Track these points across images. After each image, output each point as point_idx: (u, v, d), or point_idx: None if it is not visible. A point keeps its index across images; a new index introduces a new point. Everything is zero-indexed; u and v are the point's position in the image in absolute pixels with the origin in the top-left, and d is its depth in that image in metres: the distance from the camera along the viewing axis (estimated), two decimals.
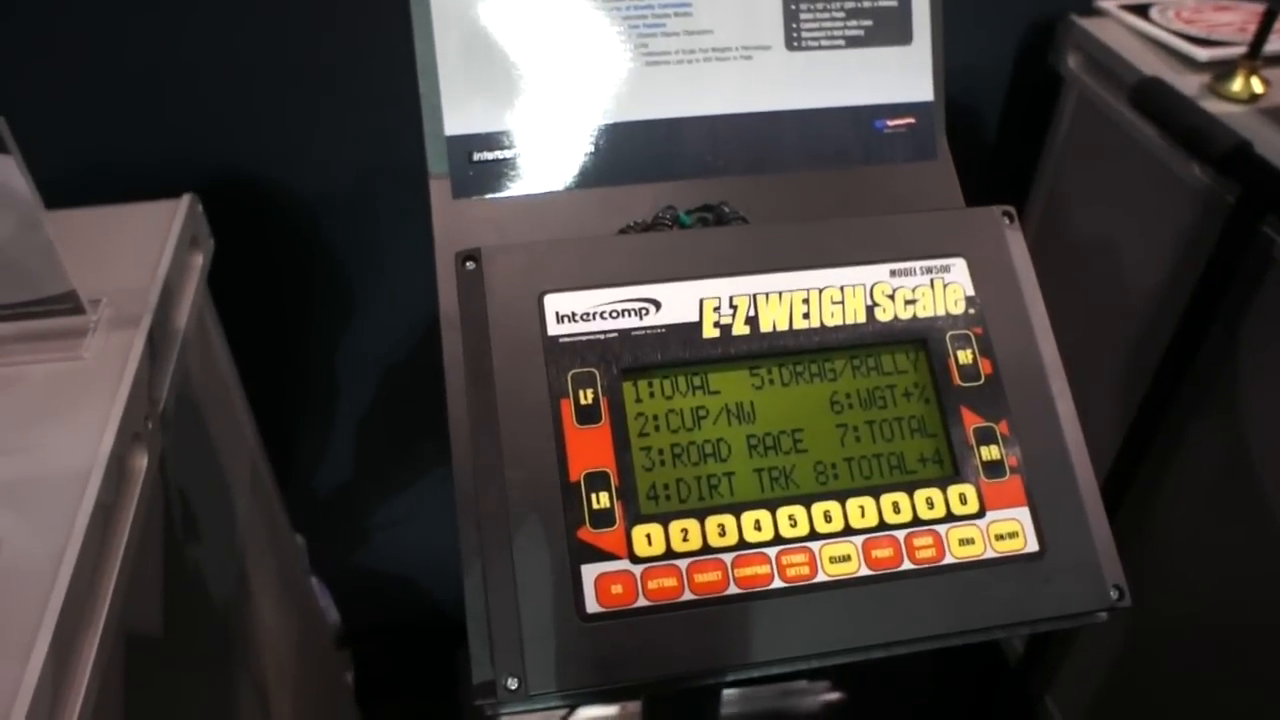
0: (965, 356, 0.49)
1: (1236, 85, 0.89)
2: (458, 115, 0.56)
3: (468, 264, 0.48)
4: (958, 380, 0.48)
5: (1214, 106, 0.88)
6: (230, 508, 0.88)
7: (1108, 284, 1.01)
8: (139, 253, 0.75)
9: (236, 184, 0.94)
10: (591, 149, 0.57)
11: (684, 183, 0.58)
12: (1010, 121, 1.14)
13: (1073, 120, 1.05)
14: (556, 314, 0.47)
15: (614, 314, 0.48)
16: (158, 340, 0.69)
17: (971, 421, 0.48)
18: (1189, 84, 0.91)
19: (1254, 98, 0.88)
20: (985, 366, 0.49)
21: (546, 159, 0.57)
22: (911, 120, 0.61)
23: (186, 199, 0.80)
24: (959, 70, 1.06)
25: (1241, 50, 0.89)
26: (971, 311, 0.50)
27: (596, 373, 0.46)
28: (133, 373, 0.64)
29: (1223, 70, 0.90)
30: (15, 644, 0.49)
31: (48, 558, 0.53)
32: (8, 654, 0.49)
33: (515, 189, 0.57)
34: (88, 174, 0.88)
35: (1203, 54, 0.93)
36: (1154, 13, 1.01)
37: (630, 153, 0.58)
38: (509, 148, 0.57)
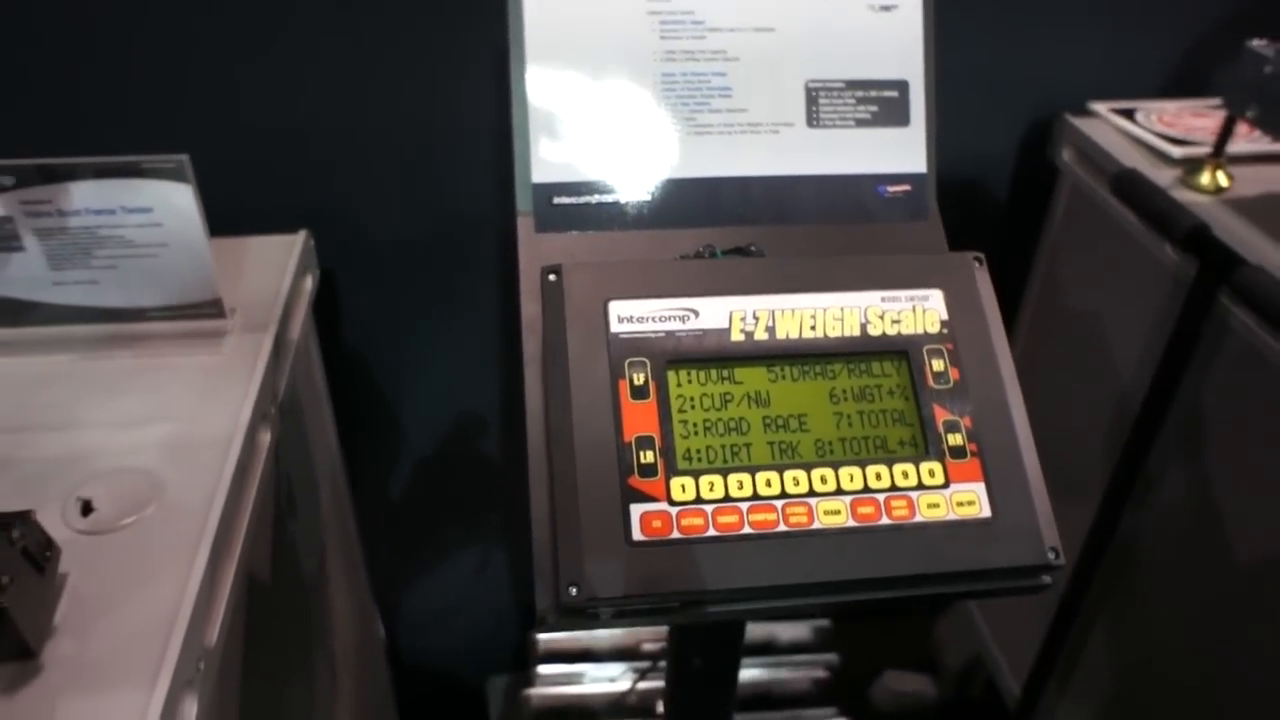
0: (938, 365, 0.62)
1: (1204, 179, 1.02)
2: (543, 167, 0.71)
3: (550, 276, 0.62)
4: (931, 383, 0.61)
5: (1185, 196, 1.01)
6: (317, 499, 1.01)
7: (1099, 347, 1.13)
8: (264, 275, 0.90)
9: (333, 223, 1.09)
10: (647, 198, 0.72)
11: (720, 229, 0.72)
12: (1014, 203, 1.28)
13: (1067, 205, 1.19)
14: (618, 316, 0.61)
15: (662, 318, 0.61)
16: (279, 346, 0.84)
17: (941, 415, 0.60)
18: (1165, 177, 1.04)
19: (1219, 190, 1.02)
20: (954, 374, 0.61)
21: (611, 205, 0.71)
22: (908, 187, 0.75)
23: (302, 234, 0.96)
24: (969, 158, 1.23)
25: (1209, 149, 1.03)
26: (945, 331, 0.63)
27: (647, 362, 0.60)
28: (264, 366, 0.79)
29: (1193, 166, 1.04)
30: (181, 562, 0.63)
31: (202, 500, 0.67)
32: (177, 569, 0.62)
33: (585, 227, 0.71)
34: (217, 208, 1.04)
35: (1177, 151, 1.07)
36: (1139, 115, 1.15)
37: (678, 203, 0.72)
38: (582, 194, 0.71)
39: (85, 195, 0.75)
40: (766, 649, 1.37)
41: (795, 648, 1.38)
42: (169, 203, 0.75)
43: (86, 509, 0.66)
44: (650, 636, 1.36)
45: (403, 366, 1.20)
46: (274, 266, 0.91)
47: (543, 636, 1.36)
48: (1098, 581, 1.12)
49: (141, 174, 0.74)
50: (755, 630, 1.37)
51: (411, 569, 1.40)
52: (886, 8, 0.74)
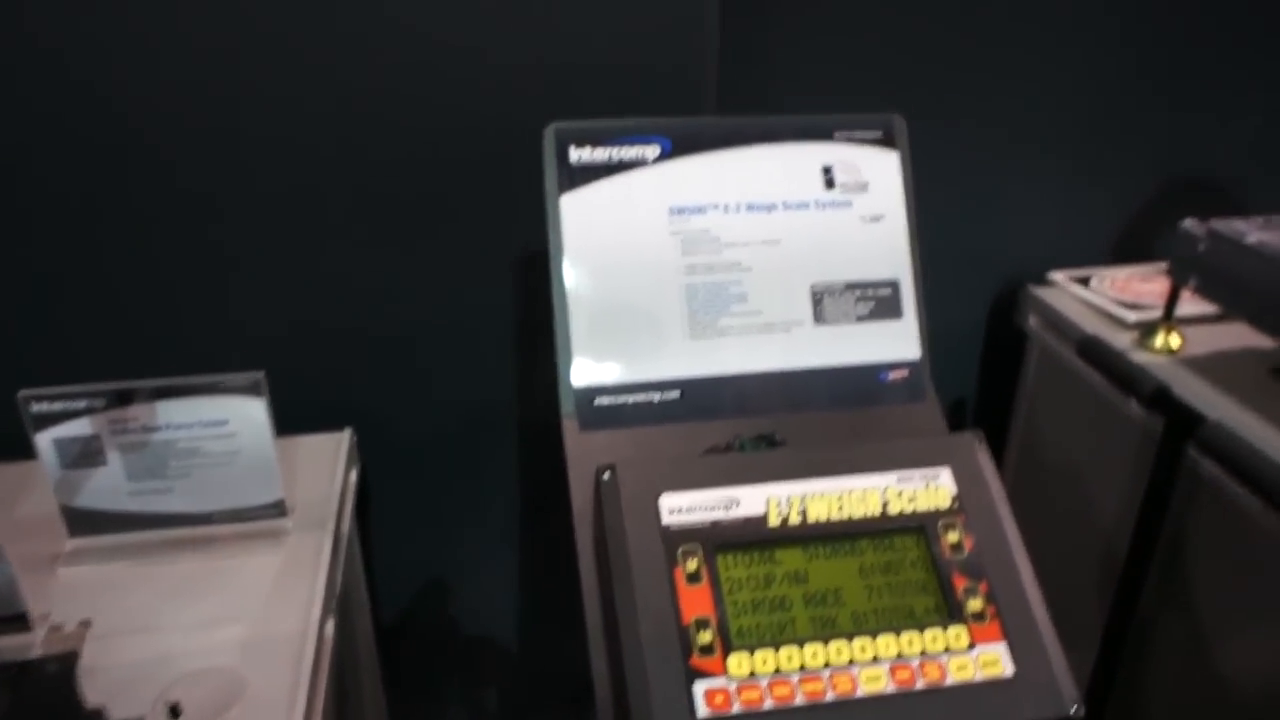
0: (953, 537, 0.70)
1: (1159, 341, 1.14)
2: (585, 372, 0.80)
3: (605, 475, 0.70)
4: (948, 554, 0.69)
5: (1143, 358, 1.12)
6: (360, 687, 1.05)
7: (1078, 498, 1.22)
8: (316, 472, 0.97)
9: (365, 422, 1.17)
10: (677, 395, 0.81)
11: (744, 420, 0.81)
12: (989, 368, 1.39)
13: (1037, 367, 1.30)
14: (669, 509, 0.69)
15: (708, 508, 0.69)
16: (336, 542, 0.90)
17: (960, 583, 0.68)
18: (1123, 340, 1.16)
19: (1173, 350, 1.13)
20: (968, 544, 0.69)
21: (646, 403, 0.80)
22: (906, 373, 0.84)
23: (347, 431, 1.03)
24: (949, 330, 1.34)
25: (1160, 313, 1.15)
26: (956, 505, 0.71)
27: (699, 548, 0.67)
28: (326, 563, 0.85)
29: (1147, 329, 1.15)
30: None
31: (283, 697, 0.72)
32: None
33: (623, 424, 0.80)
34: None
35: (1131, 316, 1.19)
36: (1093, 283, 1.28)
37: (705, 398, 0.81)
38: (620, 395, 0.80)
39: (168, 412, 0.82)
40: None
41: None
42: (243, 415, 0.83)
43: (174, 712, 0.71)
44: None
45: (430, 552, 1.25)
46: (324, 463, 0.98)
47: None
48: None
49: (220, 391, 0.82)
50: None
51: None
52: (875, 218, 0.86)
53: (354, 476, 1.03)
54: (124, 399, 0.82)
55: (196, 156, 0.97)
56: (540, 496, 1.24)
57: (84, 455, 0.83)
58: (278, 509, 0.88)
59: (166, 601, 0.82)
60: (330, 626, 0.83)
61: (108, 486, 0.85)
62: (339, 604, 0.89)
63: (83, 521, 0.86)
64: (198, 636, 0.78)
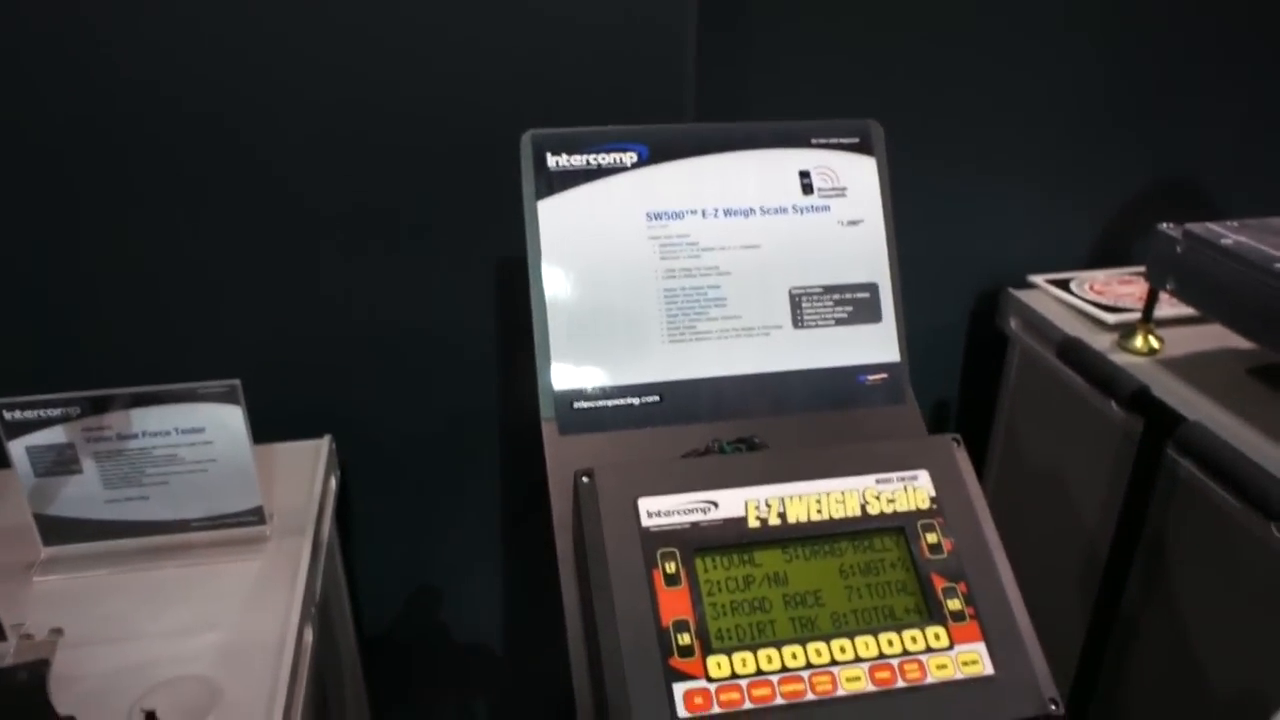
0: (932, 538, 0.70)
1: (1138, 343, 1.14)
2: (564, 376, 0.80)
3: (584, 479, 0.70)
4: (927, 555, 0.69)
5: (1123, 359, 1.13)
6: (342, 693, 1.04)
7: (1059, 498, 1.23)
8: (295, 479, 0.96)
9: (345, 430, 1.16)
10: (657, 399, 0.81)
11: (724, 423, 0.81)
12: (971, 370, 1.40)
13: (1018, 369, 1.31)
14: (647, 512, 0.68)
15: (686, 511, 0.69)
16: (315, 548, 0.90)
17: (939, 583, 0.68)
18: (1102, 341, 1.16)
19: (1152, 351, 1.14)
20: (947, 545, 0.69)
21: (625, 407, 0.80)
22: (885, 375, 0.85)
23: (327, 439, 1.03)
24: (931, 333, 1.34)
25: (1139, 315, 1.16)
26: (934, 506, 0.71)
27: (677, 551, 0.67)
28: (304, 570, 0.84)
29: (1126, 331, 1.16)
30: None
31: (260, 704, 0.71)
32: None
33: (603, 428, 0.80)
34: None
35: (1110, 318, 1.19)
36: (1073, 285, 1.29)
37: (684, 401, 0.81)
38: (599, 399, 0.80)
39: (144, 420, 0.82)
40: None
41: None
42: (220, 423, 0.83)
43: None
44: None
45: (412, 559, 1.25)
46: (303, 470, 0.98)
47: None
48: None
49: (197, 399, 0.81)
50: None
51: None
52: (853, 223, 0.86)
53: (334, 483, 1.03)
54: (99, 406, 0.82)
55: (172, 164, 0.97)
56: (522, 503, 1.24)
57: (58, 463, 0.82)
58: (256, 516, 0.88)
59: (142, 609, 0.81)
60: (309, 633, 0.82)
61: (83, 495, 0.84)
62: (319, 611, 0.89)
63: (57, 530, 0.85)
64: (173, 644, 0.78)
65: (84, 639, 0.78)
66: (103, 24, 0.90)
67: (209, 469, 0.84)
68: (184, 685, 0.74)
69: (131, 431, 0.82)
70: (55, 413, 0.81)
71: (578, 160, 0.82)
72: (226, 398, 0.82)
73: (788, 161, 0.86)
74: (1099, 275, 1.32)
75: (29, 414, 0.80)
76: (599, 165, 0.82)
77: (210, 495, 0.86)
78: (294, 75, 0.95)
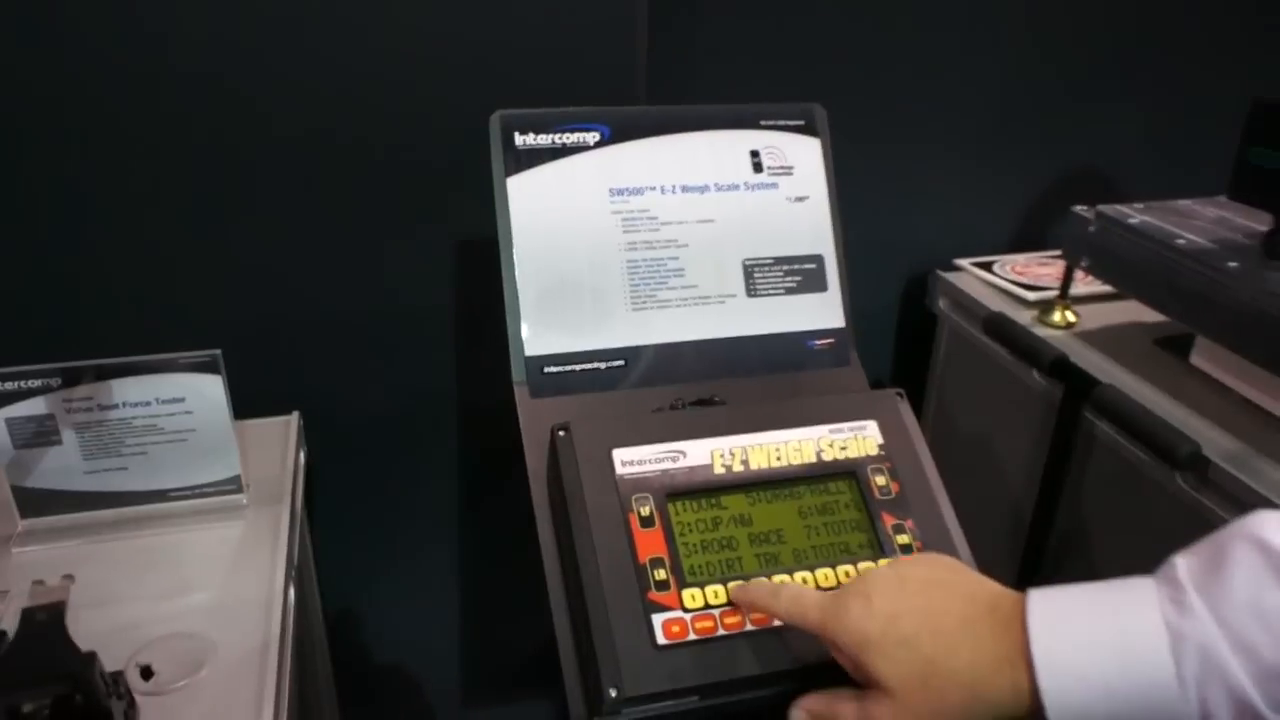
0: (881, 480, 0.76)
1: (1056, 317, 1.24)
2: (534, 342, 0.84)
3: (561, 432, 0.75)
4: (877, 496, 0.75)
5: (1043, 332, 1.22)
6: (314, 656, 1.07)
7: (988, 461, 1.31)
8: (268, 452, 0.99)
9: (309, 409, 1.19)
10: (621, 363, 0.86)
11: (684, 385, 0.87)
12: (903, 348, 1.48)
13: (947, 345, 1.39)
14: (621, 461, 0.74)
15: (657, 460, 0.74)
16: (292, 516, 0.93)
17: (889, 520, 0.74)
18: (1024, 317, 1.25)
19: (1069, 325, 1.23)
20: (894, 487, 0.76)
21: (592, 371, 0.85)
22: (832, 340, 0.91)
23: (295, 415, 1.06)
24: (866, 314, 1.42)
25: (1056, 293, 1.25)
26: (882, 453, 0.78)
27: (650, 496, 0.72)
28: (285, 533, 0.87)
29: (1045, 307, 1.25)
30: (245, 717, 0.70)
31: (254, 657, 0.75)
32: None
33: (571, 391, 0.85)
34: None
35: (1031, 296, 1.28)
36: (996, 268, 1.38)
37: (647, 365, 0.86)
38: (568, 364, 0.85)
39: (124, 391, 0.84)
40: None
41: None
42: (200, 393, 0.85)
43: (146, 673, 0.73)
44: None
45: (375, 536, 1.28)
46: (274, 445, 1.00)
47: None
48: None
49: (177, 369, 0.84)
50: None
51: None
52: (800, 199, 0.92)
53: (303, 458, 1.06)
54: (78, 377, 0.83)
55: (139, 142, 0.99)
56: (481, 481, 1.28)
57: (39, 434, 0.84)
58: (234, 484, 0.90)
59: (127, 575, 0.83)
60: (293, 594, 0.85)
61: (61, 466, 0.86)
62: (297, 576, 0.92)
63: (36, 502, 0.87)
64: (162, 605, 0.80)
65: (71, 604, 0.79)
66: None
67: (189, 439, 0.87)
68: (177, 641, 0.76)
69: (112, 402, 0.84)
70: (36, 384, 0.82)
71: (544, 139, 0.87)
72: (207, 368, 0.85)
73: (739, 142, 0.92)
74: (1019, 258, 1.42)
75: (9, 385, 0.82)
76: (564, 144, 0.88)
77: (190, 465, 0.88)
78: (254, 53, 0.98)
